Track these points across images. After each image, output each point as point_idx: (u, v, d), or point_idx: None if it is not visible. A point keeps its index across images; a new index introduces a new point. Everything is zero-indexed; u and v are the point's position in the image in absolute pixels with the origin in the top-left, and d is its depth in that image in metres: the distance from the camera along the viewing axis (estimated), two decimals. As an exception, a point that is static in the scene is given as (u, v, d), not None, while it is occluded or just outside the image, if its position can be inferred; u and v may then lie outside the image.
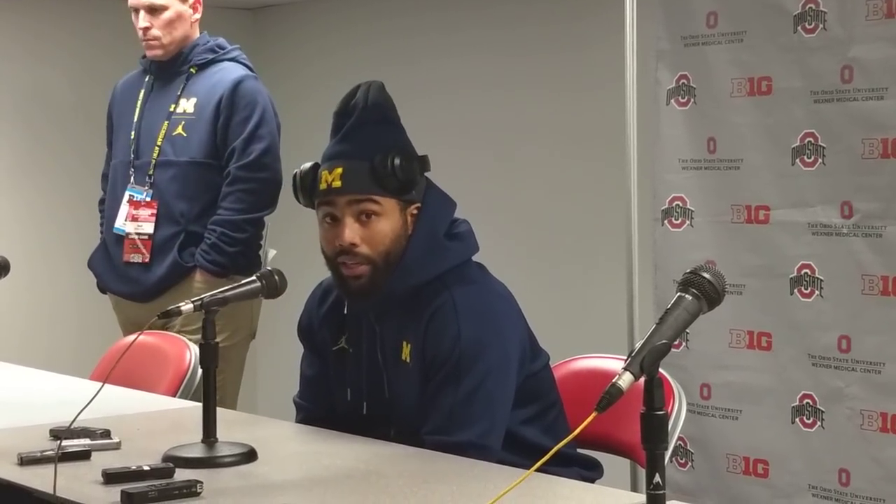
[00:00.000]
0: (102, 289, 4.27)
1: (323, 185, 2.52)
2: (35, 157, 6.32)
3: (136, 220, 4.07)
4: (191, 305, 2.37)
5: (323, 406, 2.71)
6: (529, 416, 2.56)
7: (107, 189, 4.27)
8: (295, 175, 2.60)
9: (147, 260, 4.05)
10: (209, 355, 2.41)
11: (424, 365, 2.49)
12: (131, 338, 3.09)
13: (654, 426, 1.71)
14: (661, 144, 3.96)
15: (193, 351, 3.34)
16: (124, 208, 4.10)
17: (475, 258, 2.63)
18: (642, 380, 1.71)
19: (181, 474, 2.20)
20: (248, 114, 4.03)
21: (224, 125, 4.03)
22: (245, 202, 4.02)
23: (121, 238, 4.11)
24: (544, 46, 5.61)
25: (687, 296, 1.79)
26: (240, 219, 4.01)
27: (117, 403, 2.92)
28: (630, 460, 2.99)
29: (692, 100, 3.89)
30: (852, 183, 3.49)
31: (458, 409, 2.44)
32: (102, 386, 2.29)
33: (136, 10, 4.11)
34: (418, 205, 2.56)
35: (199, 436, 2.41)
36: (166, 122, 4.09)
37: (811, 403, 3.59)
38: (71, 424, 2.27)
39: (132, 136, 4.14)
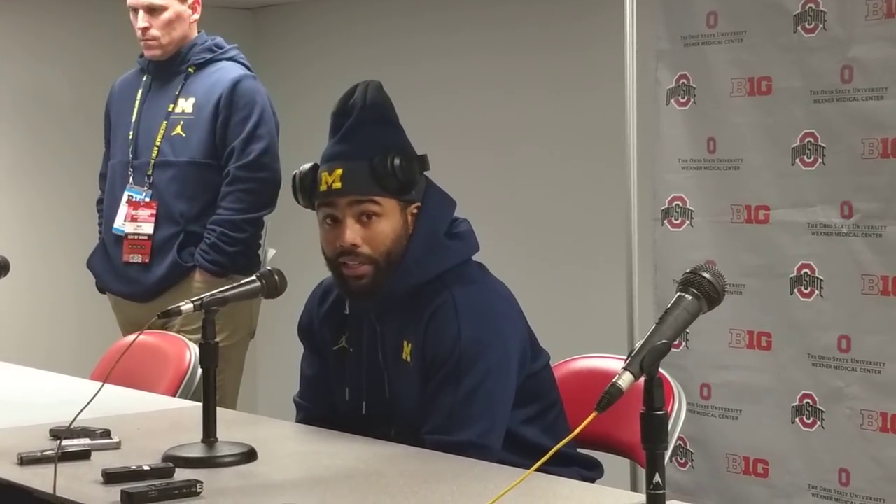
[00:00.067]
0: (102, 289, 4.27)
1: (323, 187, 2.52)
2: (35, 156, 6.32)
3: (135, 221, 4.07)
4: (191, 305, 2.37)
5: (323, 406, 2.71)
6: (530, 416, 2.56)
7: (105, 189, 4.27)
8: (294, 176, 2.59)
9: (147, 260, 4.05)
10: (209, 355, 2.41)
11: (425, 364, 2.49)
12: (131, 338, 3.09)
13: (654, 426, 1.71)
14: (661, 144, 3.96)
15: (193, 351, 3.34)
16: (123, 208, 4.10)
17: (475, 258, 2.63)
18: (642, 380, 1.71)
19: (181, 474, 2.20)
20: (247, 113, 4.03)
21: (223, 125, 4.03)
22: (244, 202, 4.02)
23: (120, 238, 4.11)
24: (544, 46, 5.61)
25: (687, 296, 1.80)
26: (239, 218, 4.01)
27: (117, 403, 2.92)
28: (630, 460, 2.99)
29: (692, 100, 3.89)
30: (852, 183, 3.49)
31: (458, 409, 2.44)
32: (102, 386, 2.29)
33: (135, 10, 4.11)
34: (418, 204, 2.56)
35: (199, 436, 2.41)
36: (165, 122, 4.08)
37: (811, 403, 3.59)
38: (71, 424, 2.27)
39: (130, 136, 4.14)
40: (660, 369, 1.73)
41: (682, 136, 3.91)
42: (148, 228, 4.06)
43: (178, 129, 4.07)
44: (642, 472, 1.99)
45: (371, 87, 2.57)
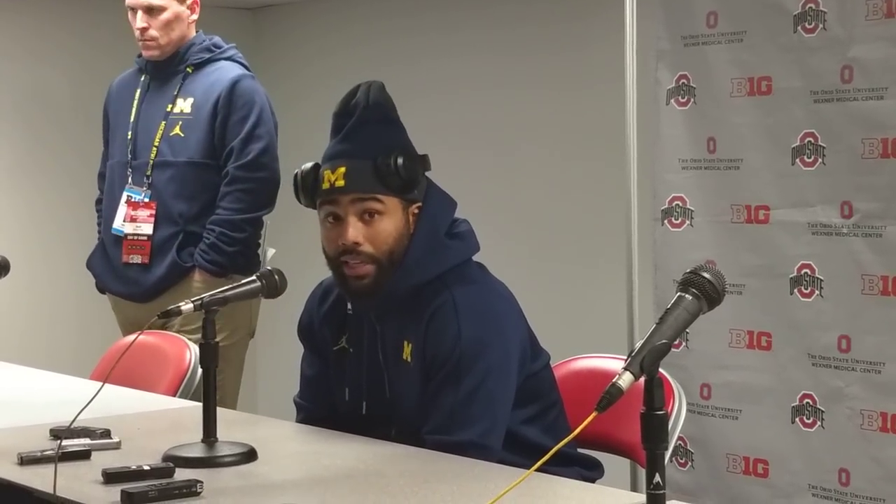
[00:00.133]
0: (101, 289, 4.27)
1: (326, 185, 2.52)
2: (35, 156, 6.32)
3: (134, 221, 4.07)
4: (191, 305, 2.37)
5: (323, 406, 2.71)
6: (530, 416, 2.56)
7: (104, 188, 4.27)
8: (296, 175, 2.59)
9: (146, 261, 4.05)
10: (209, 355, 2.41)
11: (425, 365, 2.49)
12: (131, 337, 3.09)
13: (654, 426, 1.71)
14: (661, 144, 3.96)
15: (193, 351, 3.34)
16: (122, 209, 4.10)
17: (475, 258, 2.63)
18: (642, 380, 1.71)
19: (181, 474, 2.20)
20: (246, 113, 4.03)
21: (221, 125, 4.03)
22: (243, 202, 4.02)
23: (119, 239, 4.10)
24: (544, 46, 5.61)
25: (687, 295, 1.80)
26: (238, 218, 4.01)
27: (117, 403, 2.92)
28: (630, 460, 2.99)
29: (692, 100, 3.89)
30: (852, 183, 3.49)
31: (458, 409, 2.44)
32: (102, 386, 2.29)
33: (134, 10, 4.10)
34: (419, 204, 2.56)
35: (199, 435, 2.41)
36: (163, 123, 4.08)
37: (811, 403, 3.59)
38: (71, 424, 2.27)
39: (129, 137, 4.14)
40: (660, 369, 1.73)
41: (682, 136, 3.91)
42: (147, 229, 4.06)
43: (177, 130, 4.07)
44: (642, 472, 1.99)
45: (374, 87, 2.57)
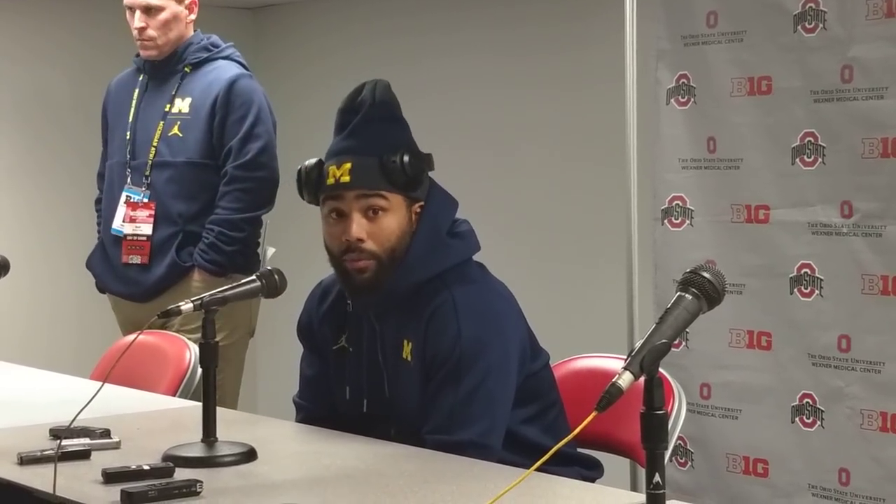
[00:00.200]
0: (101, 289, 4.27)
1: (330, 180, 2.52)
2: (35, 156, 6.32)
3: (133, 222, 4.07)
4: (191, 305, 2.37)
5: (323, 406, 2.71)
6: (529, 416, 2.56)
7: (103, 188, 4.27)
8: (300, 170, 2.59)
9: (146, 261, 4.05)
10: (209, 355, 2.41)
11: (425, 364, 2.49)
12: (131, 337, 3.09)
13: (654, 426, 1.71)
14: (661, 144, 3.96)
15: (193, 350, 3.34)
16: (121, 209, 4.10)
17: (476, 258, 2.63)
18: (642, 379, 1.71)
19: (181, 474, 2.20)
20: (244, 113, 4.03)
21: (220, 125, 4.03)
22: (243, 201, 4.02)
23: (119, 239, 4.11)
24: (544, 46, 5.61)
25: (687, 295, 1.79)
26: (237, 218, 4.01)
27: (117, 403, 2.92)
28: (630, 460, 2.99)
29: (692, 99, 3.89)
30: (852, 182, 3.49)
31: (458, 409, 2.44)
32: (102, 385, 2.29)
33: (132, 10, 4.10)
34: (422, 203, 2.56)
35: (198, 435, 2.41)
36: (162, 123, 4.08)
37: (811, 403, 3.59)
38: (71, 424, 2.27)
39: (128, 137, 4.14)
40: (660, 369, 1.73)
41: (682, 136, 3.90)
42: (147, 229, 4.06)
43: (175, 130, 4.07)
44: (642, 472, 1.99)
45: (379, 85, 2.58)
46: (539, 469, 1.76)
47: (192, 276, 4.01)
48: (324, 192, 2.54)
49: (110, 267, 4.16)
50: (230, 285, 2.51)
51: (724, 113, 3.79)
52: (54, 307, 6.29)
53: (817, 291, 3.58)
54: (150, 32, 4.08)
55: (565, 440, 1.73)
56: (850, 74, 3.47)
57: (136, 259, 4.07)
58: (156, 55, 4.13)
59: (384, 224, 2.51)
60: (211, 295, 2.42)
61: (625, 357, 1.74)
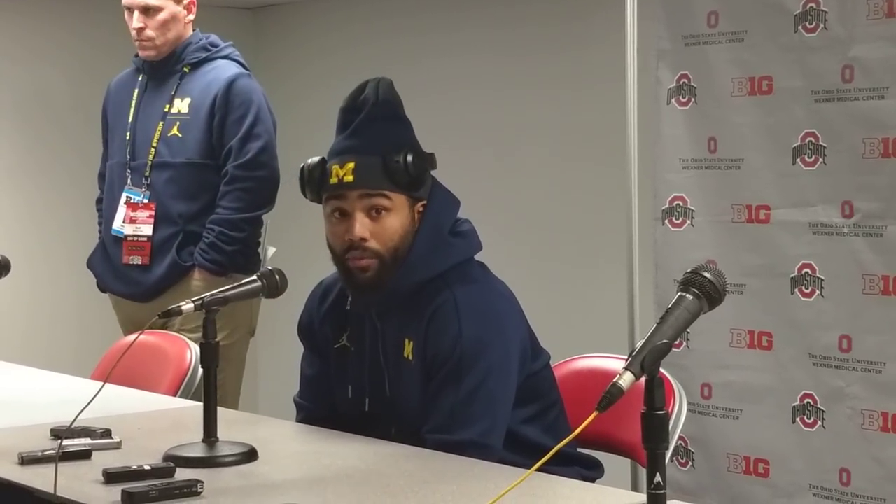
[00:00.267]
0: (103, 288, 4.27)
1: (334, 180, 2.52)
2: (35, 156, 6.32)
3: (133, 223, 4.07)
4: (191, 305, 2.37)
5: (323, 406, 2.71)
6: (530, 416, 2.56)
7: (104, 188, 4.27)
8: (302, 169, 2.59)
9: (146, 262, 4.05)
10: (210, 355, 2.41)
11: (426, 363, 2.49)
12: (132, 337, 3.09)
13: (655, 426, 1.71)
14: (662, 144, 3.96)
15: (194, 350, 3.34)
16: (121, 210, 4.10)
17: (476, 257, 2.63)
18: (643, 379, 1.71)
19: (182, 474, 2.20)
20: (244, 112, 4.03)
21: (219, 125, 4.03)
22: (243, 201, 4.02)
23: (119, 239, 4.11)
24: (544, 46, 5.61)
25: (688, 295, 1.79)
26: (238, 217, 4.01)
27: (118, 403, 2.92)
28: (631, 460, 2.99)
29: (693, 99, 3.88)
30: (853, 182, 3.49)
31: (459, 408, 2.44)
32: (103, 385, 2.29)
33: (130, 10, 4.10)
34: (424, 202, 2.56)
35: (199, 435, 2.41)
36: (161, 123, 4.08)
37: (812, 403, 3.59)
38: (72, 424, 2.27)
39: (127, 137, 4.14)
40: (660, 369, 1.73)
41: (682, 136, 3.90)
42: (147, 230, 4.06)
43: (175, 130, 4.07)
44: (643, 472, 1.99)
45: (382, 83, 2.57)
46: (539, 469, 1.76)
47: (193, 275, 4.01)
48: (327, 192, 2.54)
49: (111, 267, 4.16)
50: (231, 285, 2.51)
51: (725, 113, 3.79)
52: (54, 307, 6.29)
53: (818, 291, 3.58)
54: (149, 33, 4.08)
55: (566, 440, 1.73)
56: (851, 74, 3.47)
57: (137, 260, 4.07)
58: (154, 55, 4.13)
59: (387, 223, 2.51)
60: (212, 295, 2.42)
61: (625, 357, 1.74)
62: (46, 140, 6.32)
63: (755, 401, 3.73)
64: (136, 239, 4.07)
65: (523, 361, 2.54)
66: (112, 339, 3.94)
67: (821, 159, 3.57)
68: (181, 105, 4.09)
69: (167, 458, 2.31)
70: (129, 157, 4.12)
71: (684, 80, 3.90)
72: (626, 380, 1.68)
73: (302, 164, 2.59)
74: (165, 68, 4.14)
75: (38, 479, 2.20)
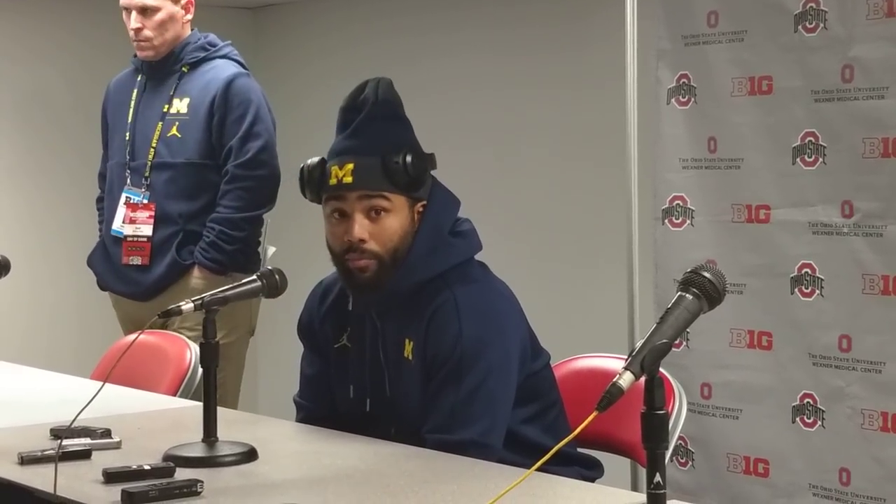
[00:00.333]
0: (103, 286, 4.27)
1: (333, 181, 2.52)
2: (35, 156, 6.32)
3: (133, 223, 4.07)
4: (191, 305, 2.37)
5: (323, 405, 2.71)
6: (530, 416, 2.56)
7: (104, 188, 4.27)
8: (302, 169, 2.59)
9: (146, 262, 4.05)
10: (210, 354, 2.41)
11: (426, 363, 2.49)
12: (132, 337, 3.09)
13: (655, 425, 1.70)
14: (662, 144, 3.96)
15: (194, 350, 3.34)
16: (121, 210, 4.10)
17: (477, 257, 2.63)
18: (643, 379, 1.71)
19: (182, 473, 2.20)
20: (243, 112, 4.03)
21: (219, 125, 4.03)
22: (243, 200, 4.02)
23: (119, 240, 4.11)
24: (544, 46, 5.61)
25: (687, 295, 1.79)
26: (238, 217, 4.01)
27: (118, 403, 2.92)
28: (631, 460, 2.99)
29: (693, 99, 3.88)
30: (853, 182, 3.49)
31: (459, 408, 2.44)
32: (103, 385, 2.29)
33: (128, 10, 4.10)
34: (424, 202, 2.56)
35: (199, 435, 2.41)
36: (160, 123, 4.08)
37: (812, 403, 3.59)
38: (71, 424, 2.26)
39: (127, 138, 4.14)
40: (660, 369, 1.73)
41: (682, 136, 3.90)
42: (147, 230, 4.06)
43: (174, 131, 4.07)
44: (643, 472, 1.99)
45: (382, 83, 2.57)
46: (539, 469, 1.76)
47: (192, 273, 4.02)
48: (326, 192, 2.54)
49: (111, 266, 4.16)
50: (231, 285, 2.51)
51: (725, 113, 3.79)
52: (54, 307, 6.29)
53: (818, 291, 3.58)
54: (147, 33, 4.07)
55: (566, 440, 1.73)
56: (851, 74, 3.47)
57: (137, 260, 4.07)
58: (153, 56, 4.13)
59: (386, 224, 2.51)
60: (212, 295, 2.42)
61: (625, 357, 1.74)
62: (46, 140, 6.32)
63: (755, 401, 3.73)
64: (135, 239, 4.07)
65: (523, 361, 2.54)
66: (112, 338, 3.94)
67: (821, 159, 3.57)
68: (180, 105, 4.09)
69: (167, 457, 2.31)
70: (128, 157, 4.12)
71: (684, 79, 3.90)
72: (625, 379, 1.68)
73: (302, 165, 2.59)
74: (164, 68, 4.14)
75: (37, 478, 2.19)
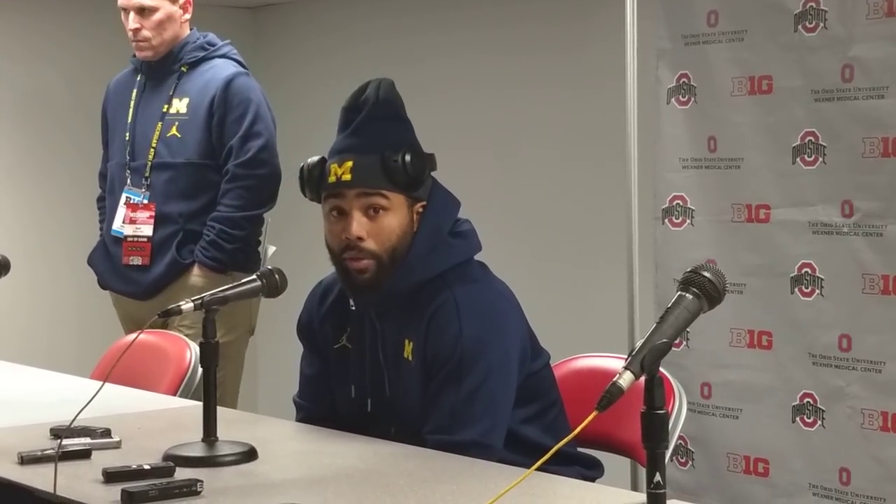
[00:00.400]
0: (103, 285, 4.27)
1: (332, 178, 2.52)
2: (35, 156, 6.32)
3: (133, 223, 4.07)
4: (191, 304, 2.37)
5: (323, 405, 2.71)
6: (530, 416, 2.56)
7: (105, 187, 4.27)
8: (302, 168, 2.59)
9: (147, 262, 4.06)
10: (209, 354, 2.41)
11: (426, 364, 2.49)
12: (131, 337, 3.09)
13: (655, 425, 1.70)
14: (662, 143, 3.96)
15: (194, 350, 3.34)
16: (121, 210, 4.10)
17: (476, 258, 2.63)
18: (643, 379, 1.71)
19: (181, 473, 2.20)
20: (243, 112, 4.03)
21: (219, 124, 4.03)
22: (244, 199, 4.02)
23: (119, 240, 4.11)
24: (544, 46, 5.61)
25: (687, 295, 1.79)
26: (238, 216, 4.02)
27: (118, 402, 2.92)
28: (631, 459, 2.99)
29: (693, 99, 3.88)
30: (853, 182, 3.49)
31: (459, 409, 2.44)
32: (103, 385, 2.29)
33: (126, 11, 4.10)
34: (423, 203, 2.56)
35: (199, 435, 2.41)
36: (160, 124, 4.08)
37: (812, 402, 3.59)
38: (71, 423, 2.26)
39: (127, 138, 4.14)
40: (660, 368, 1.73)
41: (682, 136, 3.90)
42: (147, 230, 4.06)
43: (174, 131, 4.07)
44: (643, 472, 1.99)
45: (384, 83, 2.57)
46: (539, 468, 1.76)
47: (192, 271, 4.02)
48: (325, 190, 2.54)
49: (111, 266, 4.16)
50: (230, 285, 2.51)
51: (725, 112, 3.79)
52: (55, 307, 6.29)
53: (818, 291, 3.58)
54: (145, 33, 4.07)
55: (566, 440, 1.73)
56: (851, 74, 3.47)
57: (137, 260, 4.07)
58: (151, 56, 4.13)
59: (385, 223, 2.51)
60: (211, 294, 2.42)
61: (625, 356, 1.74)
62: (46, 140, 6.32)
63: (755, 400, 3.73)
64: (136, 239, 4.07)
65: (523, 361, 2.54)
66: (112, 338, 3.94)
67: (820, 159, 3.57)
68: (179, 105, 4.09)
69: (167, 457, 2.31)
70: (128, 157, 4.12)
71: (684, 79, 3.90)
72: (625, 379, 1.68)
73: (302, 164, 2.59)
74: (163, 68, 4.14)
75: (37, 478, 2.19)
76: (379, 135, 2.52)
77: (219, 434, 2.41)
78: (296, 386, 2.78)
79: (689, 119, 3.89)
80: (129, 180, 4.11)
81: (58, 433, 2.51)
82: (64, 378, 3.49)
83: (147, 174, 4.07)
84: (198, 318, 2.46)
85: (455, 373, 2.45)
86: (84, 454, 2.38)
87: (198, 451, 2.36)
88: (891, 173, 3.40)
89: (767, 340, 3.70)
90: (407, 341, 2.53)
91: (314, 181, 2.56)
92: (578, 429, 1.67)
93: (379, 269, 2.50)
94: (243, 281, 2.52)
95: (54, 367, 3.73)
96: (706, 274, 1.80)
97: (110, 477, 2.17)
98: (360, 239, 2.49)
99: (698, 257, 3.69)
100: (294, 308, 2.78)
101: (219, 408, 2.44)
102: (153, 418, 2.87)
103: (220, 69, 4.09)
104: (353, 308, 2.63)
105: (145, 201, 4.07)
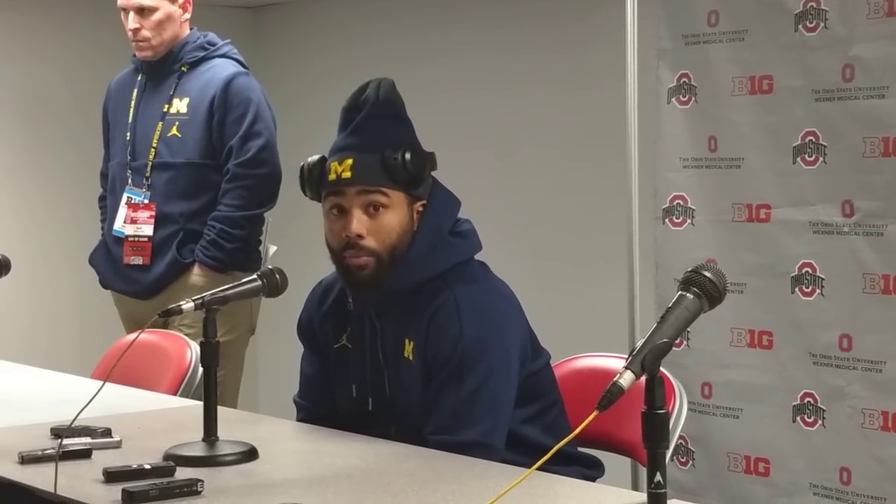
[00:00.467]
0: (105, 285, 4.27)
1: (332, 176, 2.52)
2: (35, 156, 6.32)
3: (134, 223, 4.08)
4: (192, 304, 2.37)
5: (323, 405, 2.71)
6: (530, 415, 2.56)
7: (107, 187, 4.27)
8: (302, 167, 2.59)
9: (147, 262, 4.06)
10: (210, 354, 2.41)
11: (426, 363, 2.49)
12: (132, 336, 3.09)
13: (656, 425, 1.70)
14: (662, 143, 3.96)
15: (194, 349, 3.34)
16: (122, 210, 4.10)
17: (477, 257, 2.63)
18: (643, 378, 1.71)
19: (182, 473, 2.20)
20: (243, 111, 4.03)
21: (219, 124, 4.03)
22: (244, 198, 4.02)
23: (120, 240, 4.11)
24: (544, 46, 5.61)
25: (688, 294, 1.79)
26: (238, 215, 4.02)
27: (118, 402, 2.92)
28: (631, 459, 2.99)
29: (693, 98, 3.88)
30: (853, 182, 3.49)
31: (460, 409, 2.44)
32: (103, 385, 2.29)
33: (126, 11, 4.10)
34: (424, 202, 2.56)
35: (199, 434, 2.41)
36: (160, 124, 4.08)
37: (812, 402, 3.59)
38: (72, 423, 2.26)
39: (127, 138, 4.14)
40: (661, 368, 1.73)
41: (683, 135, 3.90)
42: (148, 230, 4.06)
43: (174, 130, 4.07)
44: (643, 471, 1.99)
45: (384, 83, 2.58)
46: (540, 468, 1.76)
47: (193, 270, 4.02)
48: (325, 188, 2.55)
49: (113, 265, 4.17)
50: (231, 284, 2.51)
51: (725, 112, 3.79)
52: (55, 307, 6.29)
53: (818, 291, 3.58)
54: (145, 33, 4.07)
55: (566, 439, 1.73)
56: (852, 73, 3.47)
57: (138, 260, 4.07)
58: (151, 56, 4.13)
59: (384, 221, 2.51)
60: (212, 294, 2.42)
61: (626, 356, 1.74)
62: (46, 140, 6.32)
63: (755, 400, 3.73)
64: (136, 239, 4.07)
65: (524, 361, 2.54)
66: (112, 338, 3.94)
67: (821, 158, 3.57)
68: (180, 105, 4.09)
69: (167, 457, 2.31)
70: (129, 157, 4.12)
71: (685, 79, 3.90)
72: (626, 379, 1.68)
73: (302, 163, 2.59)
74: (163, 68, 4.14)
75: (38, 478, 2.20)
76: (379, 134, 2.53)
77: (219, 434, 2.41)
78: (296, 386, 2.78)
79: (689, 119, 3.89)
80: (130, 180, 4.11)
81: (58, 433, 2.51)
82: (64, 378, 3.49)
83: (148, 174, 4.07)
84: (198, 318, 2.46)
85: (456, 373, 2.45)
86: (84, 454, 2.38)
87: (198, 450, 2.36)
88: (891, 173, 3.40)
89: (768, 340, 3.70)
90: (407, 341, 2.53)
91: (314, 180, 2.56)
92: (579, 428, 1.66)
93: (379, 267, 2.50)
94: (244, 280, 2.52)
95: (55, 366, 3.73)
96: (707, 274, 1.80)
97: (111, 477, 2.17)
98: (360, 236, 2.49)
99: (699, 257, 3.69)
100: (294, 308, 2.78)
101: (219, 407, 2.44)
102: (154, 418, 2.87)
103: (221, 69, 4.10)
104: (351, 308, 2.63)
105: (146, 201, 4.07)
